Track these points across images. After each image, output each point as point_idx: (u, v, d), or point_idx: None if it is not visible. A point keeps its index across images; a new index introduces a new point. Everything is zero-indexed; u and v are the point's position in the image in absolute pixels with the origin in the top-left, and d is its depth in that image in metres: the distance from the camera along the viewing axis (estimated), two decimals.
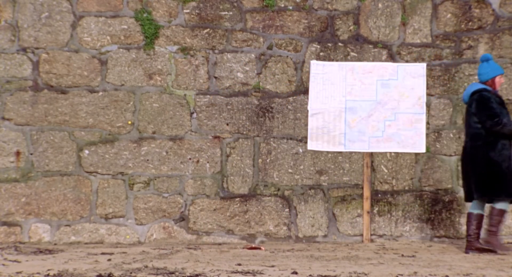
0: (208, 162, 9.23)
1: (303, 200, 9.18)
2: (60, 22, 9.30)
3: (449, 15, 9.34)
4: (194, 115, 9.28)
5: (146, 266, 5.94)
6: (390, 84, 8.98)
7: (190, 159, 9.24)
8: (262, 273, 5.59)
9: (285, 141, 9.26)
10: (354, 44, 9.33)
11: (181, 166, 9.23)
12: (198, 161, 9.23)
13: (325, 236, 9.16)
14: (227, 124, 9.28)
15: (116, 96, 9.27)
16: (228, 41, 9.32)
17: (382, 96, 8.96)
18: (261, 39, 9.34)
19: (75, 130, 9.23)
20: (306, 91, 9.19)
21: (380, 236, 9.16)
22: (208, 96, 9.30)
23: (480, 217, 7.72)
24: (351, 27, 9.35)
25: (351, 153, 9.19)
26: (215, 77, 9.31)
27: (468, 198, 7.81)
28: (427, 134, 9.14)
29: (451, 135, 9.28)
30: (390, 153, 9.21)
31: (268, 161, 9.24)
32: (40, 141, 9.21)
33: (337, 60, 9.23)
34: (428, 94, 9.22)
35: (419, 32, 9.34)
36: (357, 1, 9.36)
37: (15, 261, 6.46)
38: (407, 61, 9.27)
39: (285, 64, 9.33)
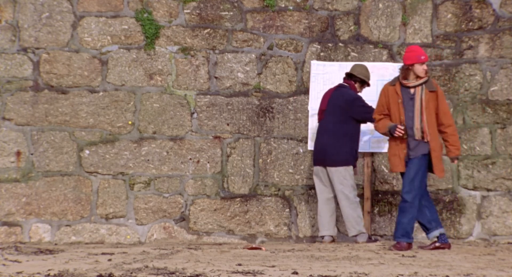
0: (208, 162, 9.23)
1: (304, 200, 9.18)
2: (60, 22, 9.30)
3: (449, 15, 9.34)
4: (195, 115, 9.28)
5: (147, 266, 5.94)
6: None
7: (190, 159, 9.24)
8: (263, 273, 5.59)
9: (285, 141, 9.26)
10: (354, 44, 9.33)
11: (181, 166, 9.23)
12: (198, 161, 9.23)
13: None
14: (228, 125, 9.28)
15: (117, 97, 9.27)
16: (228, 41, 9.33)
17: None
18: (262, 39, 9.34)
19: (76, 130, 9.23)
20: (306, 92, 9.19)
21: (381, 236, 9.16)
22: (209, 96, 9.30)
23: None
24: (352, 27, 9.35)
25: None
26: (216, 78, 9.31)
27: None
28: None
29: None
30: None
31: (268, 161, 9.24)
32: (41, 141, 9.21)
33: (337, 61, 9.23)
34: None
35: (420, 32, 9.34)
36: (357, 1, 9.36)
37: (15, 261, 6.46)
38: None
39: (285, 65, 9.33)
